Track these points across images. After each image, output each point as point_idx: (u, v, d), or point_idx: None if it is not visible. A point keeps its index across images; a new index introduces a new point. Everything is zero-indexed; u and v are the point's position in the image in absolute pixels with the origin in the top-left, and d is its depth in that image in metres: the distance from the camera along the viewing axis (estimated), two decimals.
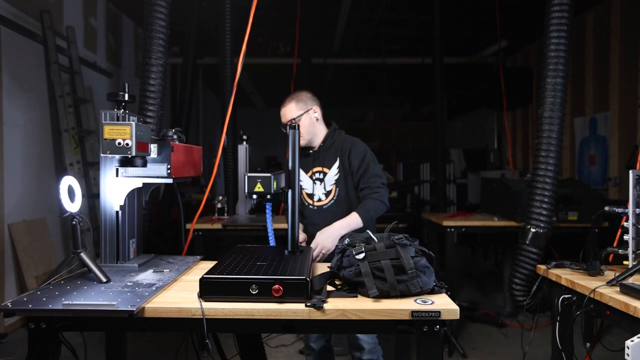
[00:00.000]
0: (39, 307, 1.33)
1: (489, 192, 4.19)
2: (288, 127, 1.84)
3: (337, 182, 2.31)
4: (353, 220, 2.13)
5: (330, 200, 2.32)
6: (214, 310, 1.38)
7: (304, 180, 2.37)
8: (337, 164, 2.32)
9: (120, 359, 1.93)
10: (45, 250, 4.25)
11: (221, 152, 2.60)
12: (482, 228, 3.78)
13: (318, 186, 2.35)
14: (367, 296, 1.46)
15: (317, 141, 2.36)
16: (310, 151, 2.37)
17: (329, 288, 1.57)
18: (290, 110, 2.29)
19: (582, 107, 5.62)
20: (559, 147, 2.61)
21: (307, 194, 2.38)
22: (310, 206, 2.37)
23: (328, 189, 2.33)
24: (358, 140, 2.37)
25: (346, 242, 1.64)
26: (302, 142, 2.30)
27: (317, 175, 2.35)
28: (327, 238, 2.07)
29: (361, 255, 1.51)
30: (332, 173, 2.33)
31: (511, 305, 4.32)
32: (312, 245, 2.07)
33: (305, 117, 2.29)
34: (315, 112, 2.33)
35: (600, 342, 2.24)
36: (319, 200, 2.35)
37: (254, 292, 1.40)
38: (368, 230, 1.67)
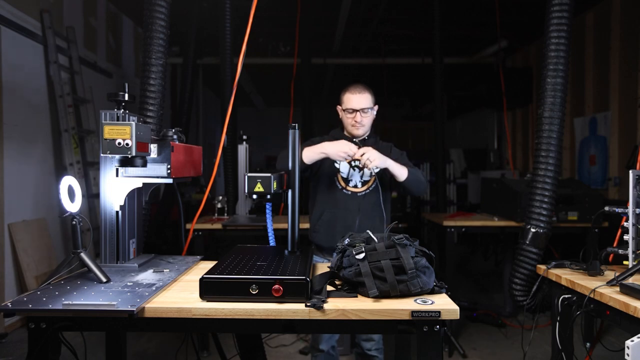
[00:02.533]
0: (39, 307, 1.33)
1: (489, 192, 4.19)
2: (288, 127, 1.84)
3: (377, 174, 2.35)
4: (400, 167, 2.20)
5: (367, 189, 2.34)
6: (214, 310, 1.38)
7: (341, 165, 2.35)
8: None
9: (120, 359, 1.93)
10: (45, 250, 4.25)
11: (221, 152, 2.59)
12: (482, 228, 3.78)
13: (356, 173, 2.35)
14: (367, 296, 1.46)
15: (365, 134, 2.40)
16: (355, 140, 2.37)
17: (329, 288, 1.58)
18: (367, 99, 2.30)
19: (582, 107, 5.62)
20: (559, 147, 2.61)
21: (342, 177, 2.35)
22: (344, 190, 2.35)
23: (366, 178, 2.35)
24: (390, 144, 2.47)
25: (346, 242, 1.64)
26: (361, 132, 2.34)
27: (355, 162, 2.35)
28: (376, 152, 2.11)
29: (361, 255, 1.51)
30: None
31: (511, 305, 4.32)
32: (360, 150, 2.12)
33: (374, 109, 2.36)
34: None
35: (600, 342, 2.24)
36: (355, 186, 2.34)
37: (254, 292, 1.40)
38: (368, 231, 1.67)
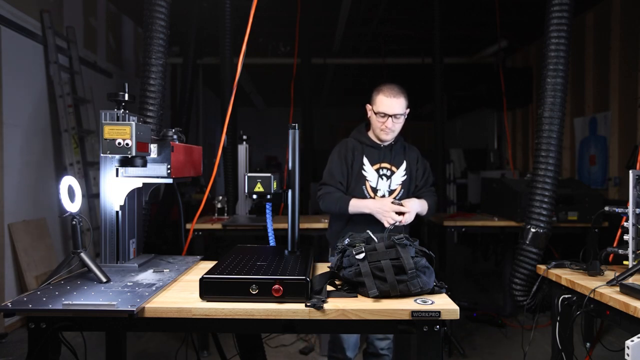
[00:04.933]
0: (39, 307, 1.34)
1: (489, 192, 4.19)
2: (288, 127, 1.83)
3: (403, 184, 2.36)
4: (424, 207, 2.29)
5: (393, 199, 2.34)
6: (214, 310, 1.38)
7: (369, 172, 2.33)
8: (404, 165, 2.37)
9: (120, 359, 1.93)
10: (45, 250, 4.25)
11: (221, 152, 2.60)
12: (482, 228, 3.78)
13: (383, 182, 2.34)
14: (367, 296, 1.46)
15: (392, 139, 2.37)
16: (382, 145, 2.34)
17: (329, 288, 1.57)
18: (401, 104, 2.24)
19: (582, 107, 5.61)
20: (559, 147, 2.61)
21: (371, 187, 2.33)
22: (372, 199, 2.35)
23: (393, 187, 2.34)
24: (416, 148, 2.46)
25: (346, 242, 1.64)
26: (389, 138, 2.31)
27: (384, 171, 2.34)
28: (414, 212, 2.19)
29: (361, 255, 1.51)
30: (400, 174, 2.36)
31: (511, 305, 4.32)
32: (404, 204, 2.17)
33: (406, 114, 2.30)
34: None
35: (600, 342, 2.24)
36: (383, 196, 2.33)
37: (254, 292, 1.40)
38: (368, 231, 1.67)
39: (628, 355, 1.39)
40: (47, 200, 4.41)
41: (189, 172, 2.01)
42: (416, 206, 2.22)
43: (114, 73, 6.02)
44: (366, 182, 2.32)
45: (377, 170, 2.33)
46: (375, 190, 2.33)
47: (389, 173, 2.35)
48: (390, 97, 2.22)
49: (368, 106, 2.33)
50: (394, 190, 2.35)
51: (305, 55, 6.30)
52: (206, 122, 9.35)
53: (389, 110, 2.22)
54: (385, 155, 2.35)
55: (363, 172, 2.32)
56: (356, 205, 2.22)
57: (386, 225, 2.14)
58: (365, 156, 2.34)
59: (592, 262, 1.93)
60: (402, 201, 2.20)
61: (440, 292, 1.52)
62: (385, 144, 2.34)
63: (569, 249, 3.61)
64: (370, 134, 2.38)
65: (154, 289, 1.51)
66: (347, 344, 2.40)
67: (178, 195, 2.16)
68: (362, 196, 2.32)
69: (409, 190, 2.38)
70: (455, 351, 3.46)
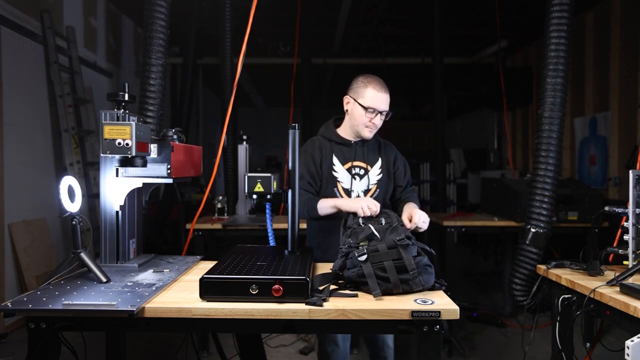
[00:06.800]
0: (39, 307, 1.33)
1: (489, 192, 4.19)
2: (288, 127, 1.83)
3: (379, 183, 2.17)
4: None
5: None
6: (214, 310, 1.38)
7: (340, 173, 2.13)
8: (379, 163, 2.19)
9: (120, 359, 1.93)
10: (45, 250, 4.25)
11: (221, 152, 2.60)
12: (482, 228, 3.78)
13: (357, 182, 2.14)
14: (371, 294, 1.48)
15: None
16: (352, 141, 2.15)
17: (331, 287, 1.58)
18: (388, 100, 2.06)
19: (582, 107, 5.61)
20: (559, 147, 2.62)
21: (343, 188, 2.13)
22: None
23: (369, 187, 2.16)
24: (393, 145, 2.29)
25: (350, 243, 1.64)
26: (371, 136, 2.12)
27: (356, 170, 2.15)
28: (424, 213, 1.94)
29: (363, 257, 1.52)
30: (375, 172, 2.17)
31: (511, 305, 4.32)
32: (416, 214, 1.90)
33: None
34: None
35: (600, 342, 2.24)
36: (358, 197, 2.13)
37: (254, 292, 1.40)
38: (370, 225, 1.68)
39: (628, 355, 1.39)
40: (47, 200, 4.41)
41: (189, 172, 2.01)
42: (425, 215, 1.98)
43: (114, 73, 6.02)
44: (337, 183, 2.12)
45: (349, 170, 2.14)
46: (348, 191, 2.14)
47: (362, 172, 2.15)
48: (381, 91, 2.02)
49: (348, 98, 2.09)
50: (369, 190, 2.16)
51: (305, 55, 6.30)
52: (206, 122, 9.36)
53: (380, 105, 2.03)
54: (356, 152, 2.15)
55: (333, 172, 2.12)
56: (326, 207, 2.01)
57: (360, 213, 1.87)
58: (335, 155, 2.13)
59: (592, 262, 1.93)
60: (412, 215, 1.92)
61: (440, 289, 1.55)
62: (357, 140, 2.15)
63: (569, 249, 3.61)
64: (341, 131, 2.18)
65: (154, 289, 1.51)
66: (334, 359, 2.25)
67: (178, 195, 2.16)
68: (328, 195, 2.12)
69: (387, 189, 2.20)
70: (455, 351, 3.46)
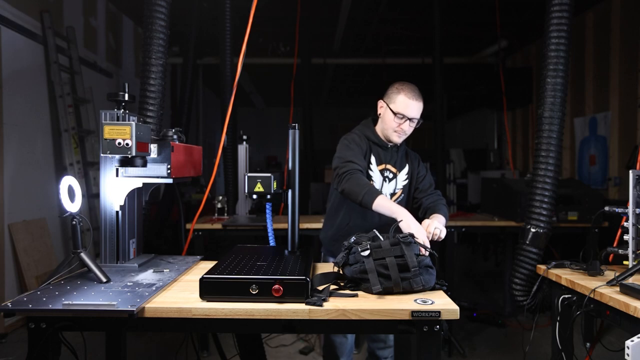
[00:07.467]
0: (39, 307, 1.33)
1: (489, 192, 4.19)
2: (288, 127, 1.83)
3: (404, 189, 2.24)
4: (444, 220, 2.04)
5: (395, 201, 2.19)
6: (214, 310, 1.38)
7: (375, 172, 2.18)
8: (406, 169, 2.25)
9: (120, 359, 1.93)
10: (45, 250, 4.25)
11: (221, 152, 2.59)
12: (482, 228, 3.78)
13: (386, 185, 2.21)
14: (371, 292, 1.49)
15: None
16: (388, 145, 2.21)
17: (332, 287, 1.58)
18: (420, 108, 2.10)
19: (582, 107, 5.62)
20: (559, 147, 2.61)
21: None
22: None
23: (395, 191, 2.23)
24: (417, 154, 2.34)
25: (352, 240, 1.65)
26: (400, 141, 2.16)
27: (387, 173, 2.21)
28: (440, 224, 1.91)
29: (366, 252, 1.53)
30: (402, 178, 2.24)
31: (511, 305, 4.32)
32: (432, 223, 1.87)
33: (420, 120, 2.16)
34: None
35: (600, 342, 2.24)
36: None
37: (254, 292, 1.40)
38: (374, 230, 1.68)
39: (628, 355, 1.39)
40: (47, 200, 4.41)
41: (189, 172, 2.01)
42: (444, 221, 2.01)
43: (114, 73, 6.02)
44: (371, 182, 2.15)
45: (382, 172, 2.19)
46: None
47: (391, 175, 2.21)
48: (413, 99, 2.07)
49: (382, 102, 2.16)
50: (395, 193, 2.23)
51: (305, 55, 6.30)
52: (206, 122, 9.36)
53: (409, 112, 2.07)
54: (391, 156, 2.22)
55: (369, 171, 2.17)
56: (385, 206, 1.89)
57: (417, 239, 1.71)
58: (373, 154, 2.18)
59: (592, 262, 1.93)
60: (436, 221, 1.90)
61: (441, 289, 1.55)
62: (391, 145, 2.21)
63: (569, 249, 3.61)
64: (378, 131, 2.22)
65: (154, 289, 1.51)
66: (341, 351, 2.32)
67: (178, 195, 2.16)
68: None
69: (409, 195, 2.27)
70: (455, 351, 3.46)
